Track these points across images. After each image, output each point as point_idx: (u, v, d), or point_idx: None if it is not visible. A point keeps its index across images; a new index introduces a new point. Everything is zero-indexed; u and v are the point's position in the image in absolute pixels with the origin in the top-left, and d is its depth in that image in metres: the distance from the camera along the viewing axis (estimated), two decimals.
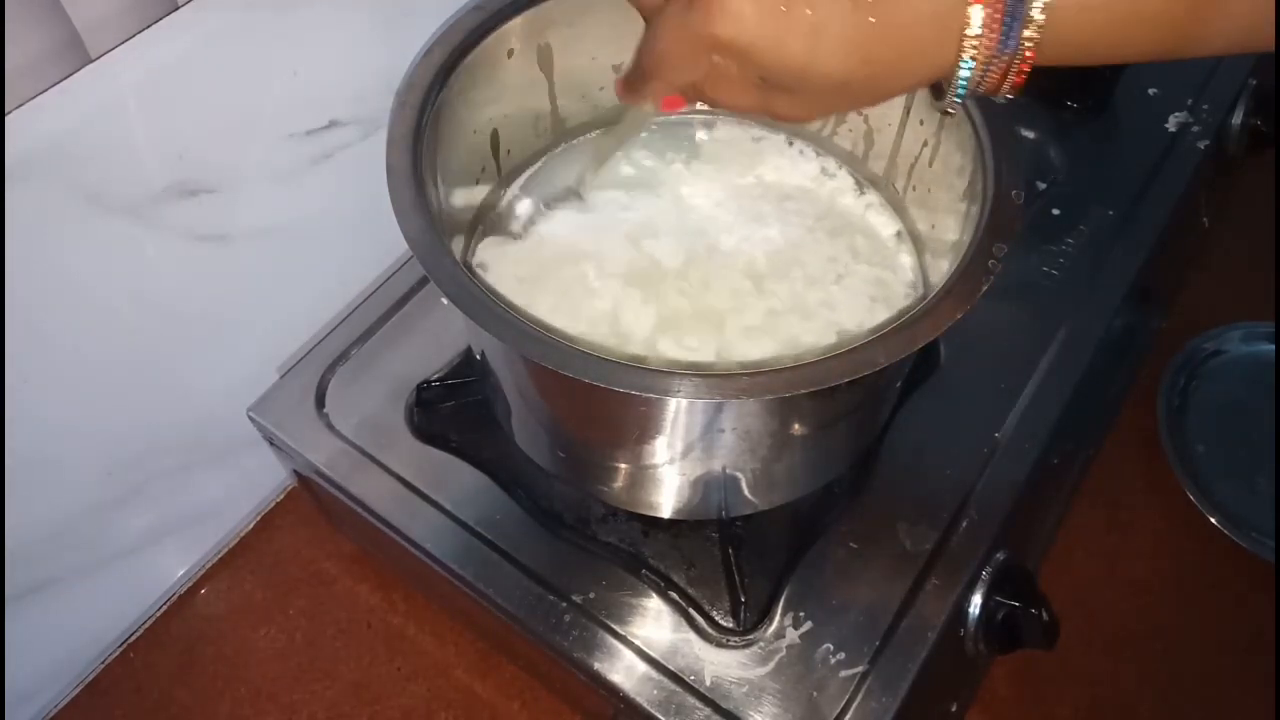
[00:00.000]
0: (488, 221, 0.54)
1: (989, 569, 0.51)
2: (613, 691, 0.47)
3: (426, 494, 0.53)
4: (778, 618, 0.49)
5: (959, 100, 0.34)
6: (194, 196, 0.52)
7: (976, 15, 0.31)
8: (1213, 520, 0.66)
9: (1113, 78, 0.72)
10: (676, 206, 0.54)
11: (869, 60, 0.33)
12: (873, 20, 0.32)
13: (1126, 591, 0.64)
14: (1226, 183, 0.80)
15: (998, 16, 0.31)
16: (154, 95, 0.47)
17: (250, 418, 0.56)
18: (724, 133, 0.58)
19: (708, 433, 0.42)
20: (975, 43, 0.32)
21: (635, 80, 0.40)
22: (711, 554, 0.51)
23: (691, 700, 0.46)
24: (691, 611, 0.49)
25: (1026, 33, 0.31)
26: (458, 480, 0.54)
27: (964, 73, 0.33)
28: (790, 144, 0.57)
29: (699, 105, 0.57)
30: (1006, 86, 0.33)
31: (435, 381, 0.57)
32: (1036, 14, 0.31)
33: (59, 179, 0.45)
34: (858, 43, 0.32)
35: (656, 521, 0.52)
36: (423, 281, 0.61)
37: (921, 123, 0.50)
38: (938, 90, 0.35)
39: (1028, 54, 0.32)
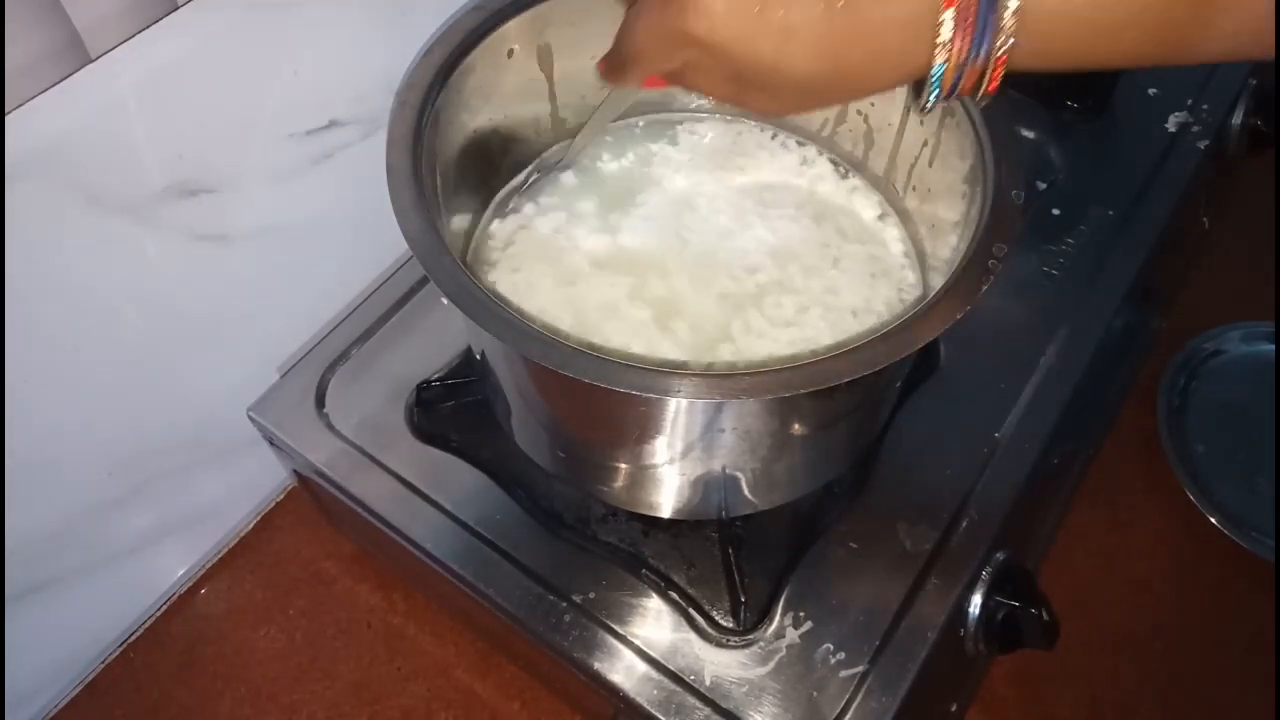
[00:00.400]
0: (487, 222, 0.54)
1: (989, 569, 0.51)
2: (613, 691, 0.48)
3: (426, 494, 0.53)
4: (778, 618, 0.49)
5: (931, 104, 0.35)
6: (194, 196, 0.52)
7: (948, 21, 0.31)
8: (1213, 520, 0.66)
9: (1112, 78, 0.72)
10: (666, 206, 0.54)
11: (840, 62, 0.33)
12: (844, 23, 0.32)
13: (1126, 591, 0.64)
14: (1226, 183, 0.81)
15: (969, 22, 0.31)
16: (154, 95, 0.47)
17: (250, 418, 0.56)
18: (708, 129, 0.58)
19: (708, 433, 0.42)
20: (947, 48, 0.32)
21: (616, 64, 0.41)
22: (711, 554, 0.51)
23: (691, 700, 0.46)
24: (691, 611, 0.49)
25: (999, 39, 0.32)
26: (458, 480, 0.54)
27: (936, 77, 0.33)
28: (773, 137, 0.57)
29: (690, 104, 0.58)
30: (981, 91, 0.34)
31: (435, 381, 0.57)
32: (1008, 20, 0.31)
33: (59, 179, 0.45)
34: (829, 44, 0.33)
35: (656, 521, 0.52)
36: (423, 281, 0.61)
37: (921, 123, 0.50)
38: (918, 89, 0.35)
39: (1000, 60, 0.32)
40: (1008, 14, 0.31)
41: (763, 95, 0.36)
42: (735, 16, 0.33)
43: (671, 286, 0.50)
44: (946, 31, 0.32)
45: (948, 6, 0.31)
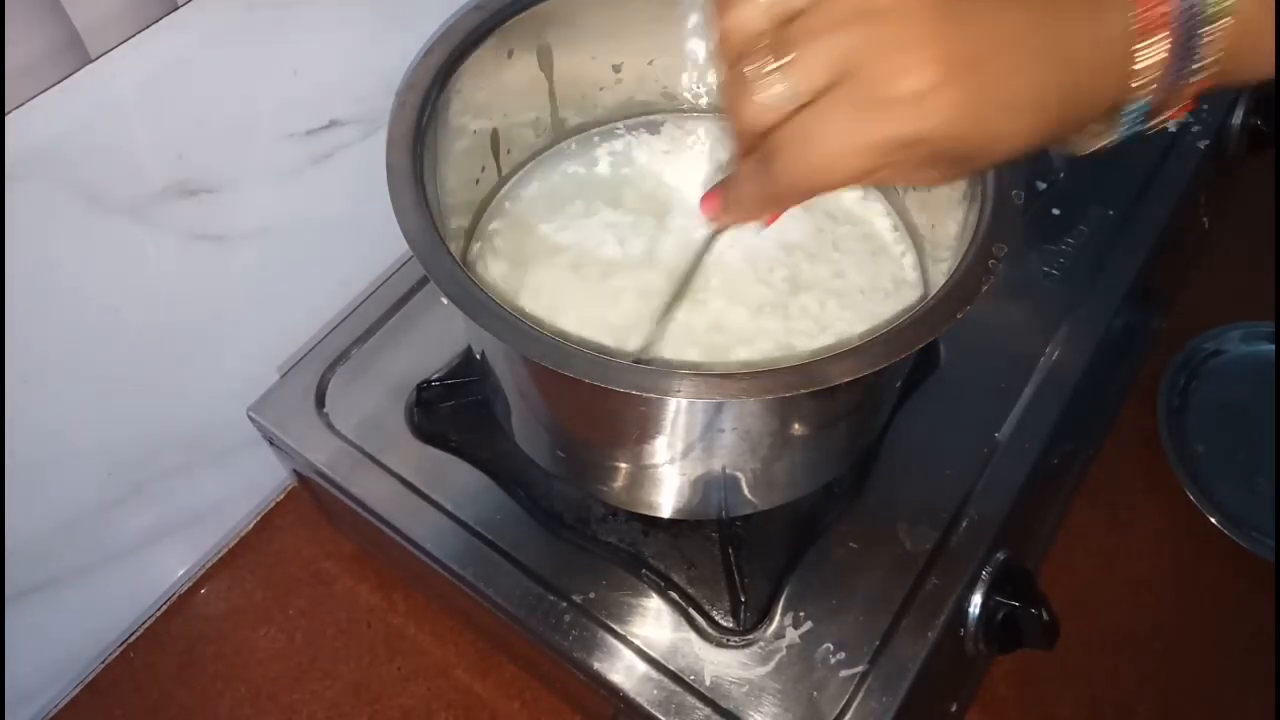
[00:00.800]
0: (487, 221, 0.54)
1: (989, 569, 0.51)
2: (613, 691, 0.47)
3: (426, 494, 0.53)
4: (778, 618, 0.49)
5: (1122, 136, 0.32)
6: (194, 196, 0.52)
7: (1152, 47, 0.29)
8: (1213, 520, 0.66)
9: None
10: (663, 205, 0.54)
11: (1059, 115, 0.31)
12: (1055, 74, 0.30)
13: (1126, 591, 0.64)
14: (1226, 183, 0.80)
15: (1174, 46, 0.29)
16: (154, 95, 0.47)
17: (250, 418, 0.56)
18: (691, 125, 0.58)
19: (708, 433, 0.42)
20: (1150, 75, 0.30)
21: (758, 198, 0.34)
22: (711, 554, 0.51)
23: (691, 700, 0.46)
24: (691, 611, 0.49)
25: (1204, 58, 0.30)
26: (458, 480, 0.54)
27: (1139, 107, 0.31)
28: None
29: (681, 105, 0.58)
30: (1170, 114, 0.32)
31: (435, 381, 0.57)
32: (1218, 38, 0.29)
33: (59, 179, 0.45)
34: (1051, 101, 0.30)
35: (656, 521, 0.52)
36: (423, 281, 0.61)
37: None
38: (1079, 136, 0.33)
39: (1204, 82, 0.30)
40: (1216, 34, 0.29)
41: (955, 168, 0.33)
42: (968, 102, 0.29)
43: (713, 312, 0.50)
44: (1155, 56, 0.29)
45: (1155, 31, 0.29)
